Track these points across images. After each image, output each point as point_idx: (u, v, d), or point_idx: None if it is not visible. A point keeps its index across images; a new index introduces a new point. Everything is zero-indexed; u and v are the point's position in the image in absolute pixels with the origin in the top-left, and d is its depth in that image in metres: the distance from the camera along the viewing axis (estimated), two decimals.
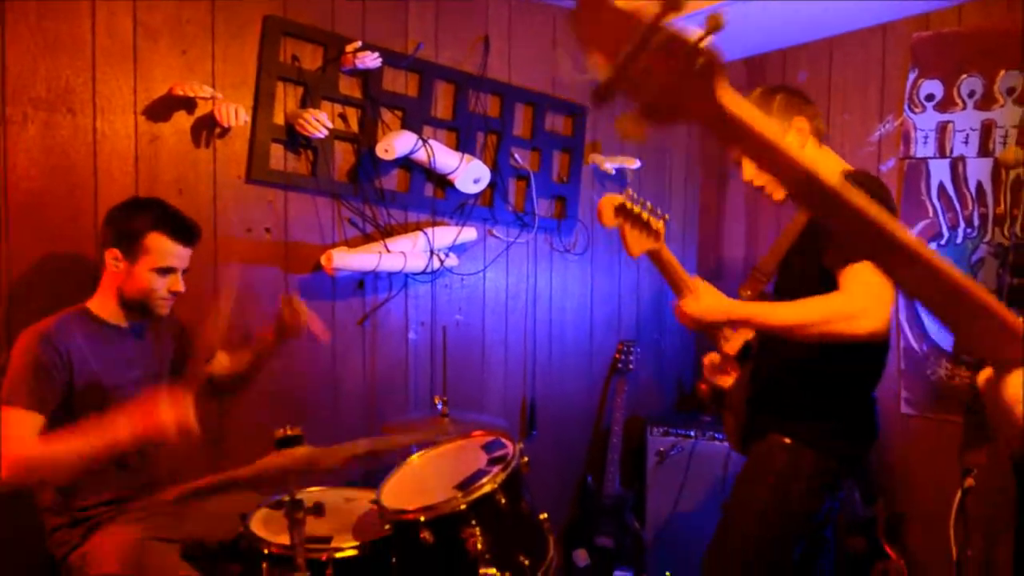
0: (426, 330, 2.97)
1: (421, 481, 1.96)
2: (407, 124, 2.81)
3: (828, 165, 1.94)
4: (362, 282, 2.80)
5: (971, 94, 2.83)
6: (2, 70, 2.14)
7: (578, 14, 0.69)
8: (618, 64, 0.65)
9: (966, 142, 2.85)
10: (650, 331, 3.67)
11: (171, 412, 1.71)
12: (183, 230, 2.02)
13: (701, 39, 0.64)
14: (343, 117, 2.70)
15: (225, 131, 2.47)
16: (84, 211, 2.27)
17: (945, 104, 2.90)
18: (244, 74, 2.51)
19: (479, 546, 1.73)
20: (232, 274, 2.26)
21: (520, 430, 3.25)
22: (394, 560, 1.84)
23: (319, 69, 2.63)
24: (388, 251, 2.72)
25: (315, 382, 2.72)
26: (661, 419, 3.37)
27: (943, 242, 2.91)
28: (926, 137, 2.96)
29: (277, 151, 2.59)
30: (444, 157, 2.82)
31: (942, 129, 2.92)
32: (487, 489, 1.79)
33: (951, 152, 2.89)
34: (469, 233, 2.95)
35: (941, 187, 2.92)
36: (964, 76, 2.84)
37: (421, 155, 2.75)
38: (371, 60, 2.63)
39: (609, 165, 3.32)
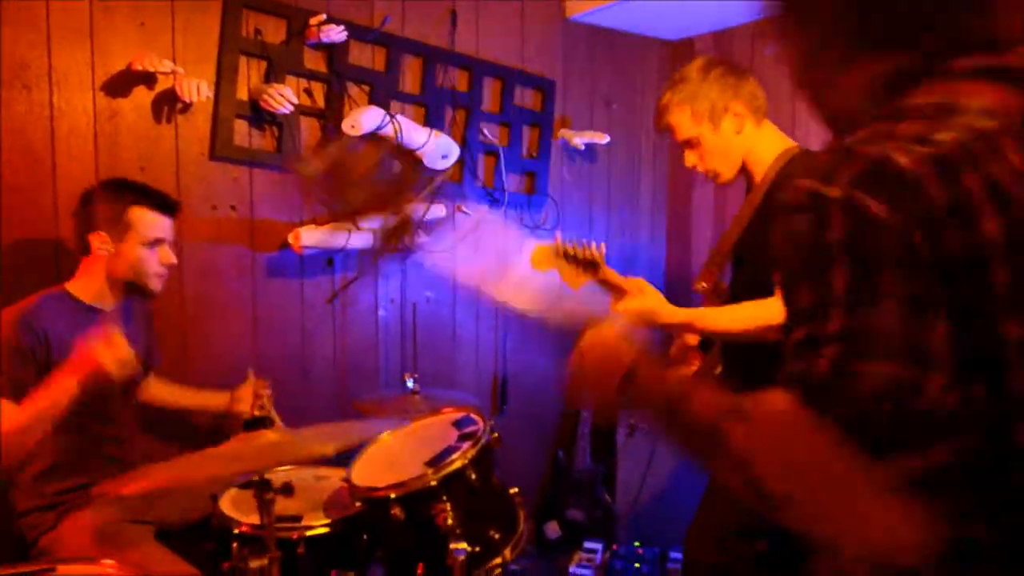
0: (396, 307, 2.96)
1: (392, 458, 1.96)
2: (374, 99, 2.77)
3: (767, 145, 1.95)
4: (331, 260, 2.78)
5: None
6: None
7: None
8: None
9: None
10: None
11: (106, 350, 1.72)
12: (162, 201, 2.05)
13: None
14: (308, 92, 2.66)
15: (187, 107, 2.42)
16: (43, 190, 2.22)
17: None
18: (205, 48, 2.45)
19: (449, 521, 1.74)
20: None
21: (492, 406, 3.26)
22: (365, 537, 1.85)
23: (283, 43, 2.58)
24: (357, 228, 2.70)
25: (284, 361, 2.69)
26: None
27: None
28: None
29: (241, 127, 2.54)
30: (412, 133, 2.79)
31: None
32: (457, 465, 1.79)
33: None
34: (438, 210, 2.94)
35: None
36: None
37: (388, 131, 2.71)
38: (336, 33, 2.59)
39: (579, 140, 3.32)
